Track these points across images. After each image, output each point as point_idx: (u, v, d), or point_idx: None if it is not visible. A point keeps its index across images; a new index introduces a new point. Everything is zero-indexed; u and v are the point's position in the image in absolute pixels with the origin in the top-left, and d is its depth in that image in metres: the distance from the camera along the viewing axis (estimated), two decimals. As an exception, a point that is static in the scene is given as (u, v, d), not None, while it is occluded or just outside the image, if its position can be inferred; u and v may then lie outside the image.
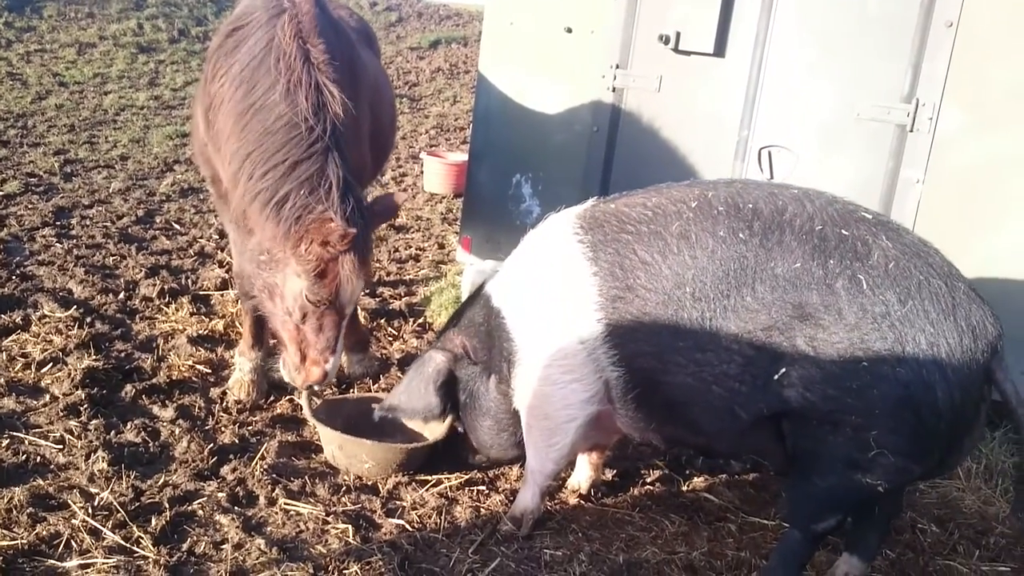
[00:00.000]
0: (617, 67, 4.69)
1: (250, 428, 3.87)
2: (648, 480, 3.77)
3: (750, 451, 3.34)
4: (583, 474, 3.65)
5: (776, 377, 2.70)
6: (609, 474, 3.78)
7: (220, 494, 3.30)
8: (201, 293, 5.23)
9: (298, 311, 3.45)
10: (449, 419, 3.55)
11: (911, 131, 4.02)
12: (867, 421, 2.63)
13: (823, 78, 4.23)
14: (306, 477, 3.49)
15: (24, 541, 2.87)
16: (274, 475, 3.47)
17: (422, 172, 8.70)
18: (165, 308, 4.95)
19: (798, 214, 2.78)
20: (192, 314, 4.91)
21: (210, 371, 4.31)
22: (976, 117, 3.92)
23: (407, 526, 3.25)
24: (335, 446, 3.60)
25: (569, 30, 4.83)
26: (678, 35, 4.45)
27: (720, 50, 4.41)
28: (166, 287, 5.15)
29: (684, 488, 3.72)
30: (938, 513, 3.63)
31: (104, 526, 3.01)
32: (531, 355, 3.10)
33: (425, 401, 3.44)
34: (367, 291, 5.55)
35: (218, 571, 2.89)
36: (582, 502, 3.56)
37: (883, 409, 2.61)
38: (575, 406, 3.08)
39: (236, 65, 3.56)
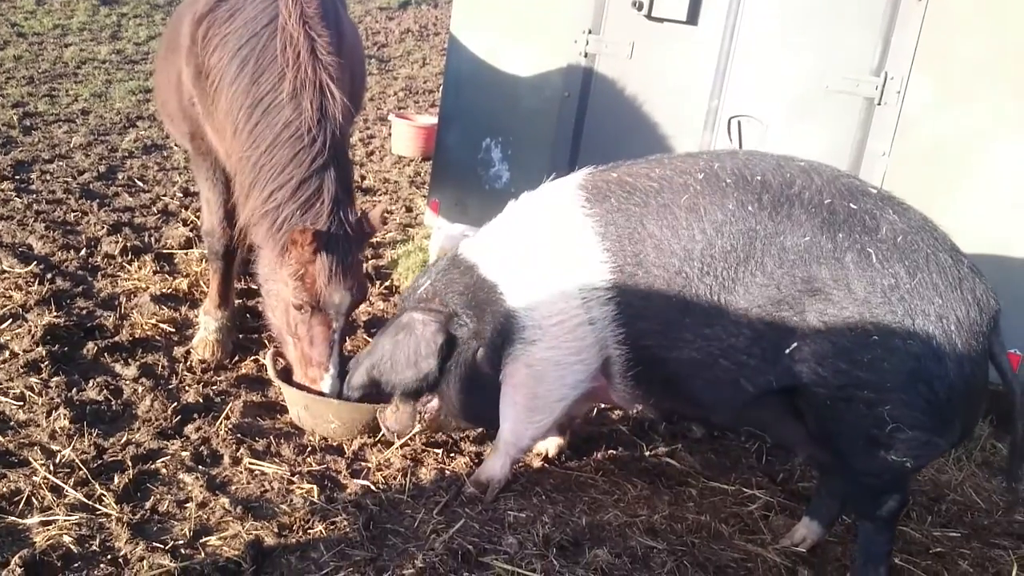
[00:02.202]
0: (589, 32, 4.66)
1: (214, 388, 3.85)
2: (611, 445, 3.81)
3: (750, 423, 3.34)
4: (552, 441, 3.66)
5: (787, 351, 2.71)
6: (572, 438, 3.81)
7: (184, 453, 3.29)
8: (164, 251, 5.17)
9: (291, 320, 3.53)
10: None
11: (879, 104, 4.06)
12: (880, 395, 2.64)
13: (794, 49, 4.24)
14: (271, 437, 3.49)
15: (-16, 497, 2.85)
16: (239, 435, 3.46)
17: (390, 134, 8.62)
18: (127, 266, 4.89)
19: (807, 187, 2.77)
20: (155, 272, 4.85)
21: (173, 330, 4.27)
22: (943, 91, 3.97)
23: (372, 487, 3.26)
24: (301, 407, 3.59)
25: (542, -7, 4.79)
26: (651, 1, 4.43)
27: (693, 18, 4.40)
28: (128, 244, 5.07)
29: (647, 453, 3.77)
30: (893, 480, 3.71)
31: (66, 483, 2.99)
32: (536, 335, 3.03)
33: (416, 369, 3.21)
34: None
35: (182, 529, 2.88)
36: (546, 465, 3.60)
37: (895, 382, 2.63)
38: (569, 387, 3.08)
39: (233, 38, 3.55)
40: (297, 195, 3.43)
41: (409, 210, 6.78)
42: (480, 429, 3.67)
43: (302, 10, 3.50)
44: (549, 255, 3.03)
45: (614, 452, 3.75)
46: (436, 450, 3.57)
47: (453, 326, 3.20)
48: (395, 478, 3.34)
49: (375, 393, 3.41)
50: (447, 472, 3.44)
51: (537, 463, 3.60)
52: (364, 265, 3.66)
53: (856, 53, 4.11)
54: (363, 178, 7.46)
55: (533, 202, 3.18)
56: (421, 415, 3.45)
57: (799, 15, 4.21)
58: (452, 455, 3.58)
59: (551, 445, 3.65)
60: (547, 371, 3.06)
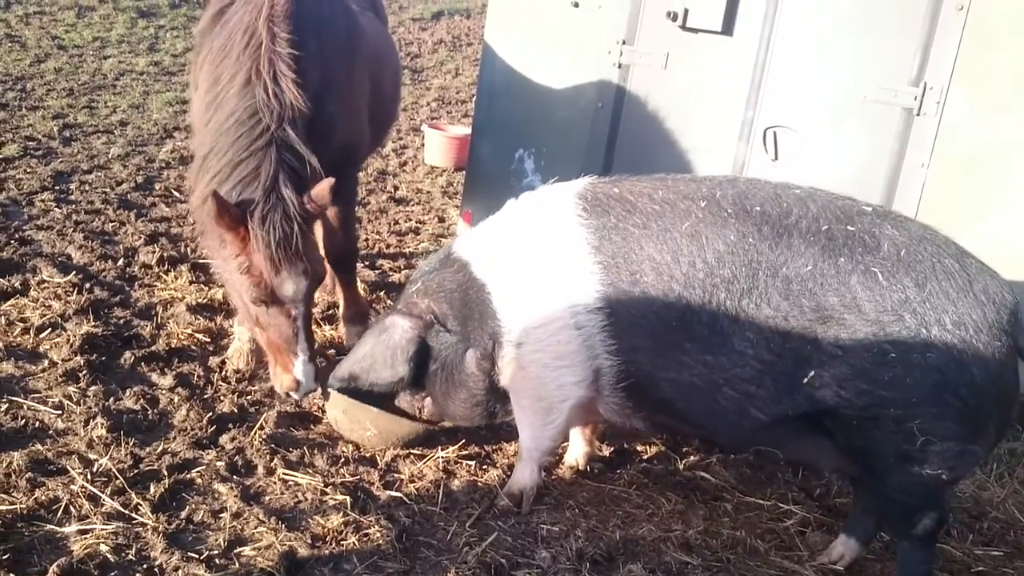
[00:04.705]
0: (623, 43, 4.65)
1: (249, 398, 3.87)
2: (645, 458, 3.79)
3: (761, 443, 3.27)
4: (579, 450, 3.66)
5: (806, 381, 2.69)
6: (606, 451, 3.79)
7: (219, 463, 3.31)
8: (200, 261, 5.21)
9: (251, 312, 3.43)
10: None
11: (918, 114, 4.00)
12: (907, 411, 2.61)
13: (830, 59, 4.20)
14: (305, 448, 3.50)
15: (23, 506, 2.88)
16: (273, 445, 3.48)
17: (423, 145, 8.65)
18: (164, 276, 4.94)
19: (803, 215, 2.77)
20: (191, 282, 4.89)
21: (209, 340, 4.31)
22: (984, 101, 3.90)
23: (405, 499, 3.26)
24: (339, 410, 3.59)
25: (576, 4, 4.78)
26: (686, 12, 4.41)
27: (728, 28, 4.38)
28: (165, 254, 5.12)
29: (681, 467, 3.74)
30: (932, 497, 3.65)
31: (103, 492, 3.02)
32: (521, 337, 3.06)
33: (392, 371, 3.29)
34: (366, 264, 5.55)
35: (216, 539, 2.90)
36: (579, 478, 3.58)
37: (920, 396, 2.60)
38: (568, 387, 3.07)
39: (213, 51, 3.56)
40: (232, 176, 3.30)
41: (442, 220, 6.79)
42: (514, 441, 3.66)
43: (271, 11, 3.49)
44: (539, 259, 3.04)
45: (647, 466, 3.72)
46: (469, 462, 3.57)
47: (432, 334, 3.26)
48: (428, 490, 3.34)
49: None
50: (480, 484, 3.43)
51: (570, 476, 3.58)
52: (319, 245, 3.49)
53: (894, 63, 4.05)
54: (396, 188, 7.50)
55: (531, 204, 3.20)
56: (419, 410, 3.52)
57: (835, 25, 4.17)
58: (484, 467, 3.57)
59: (579, 454, 3.64)
60: (539, 373, 3.07)
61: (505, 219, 3.25)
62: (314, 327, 4.02)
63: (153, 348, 4.10)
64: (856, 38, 4.13)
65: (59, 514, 2.91)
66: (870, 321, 2.62)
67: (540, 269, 3.04)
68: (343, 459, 3.48)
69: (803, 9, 4.22)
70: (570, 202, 3.05)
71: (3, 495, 2.93)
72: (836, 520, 3.39)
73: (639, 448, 3.86)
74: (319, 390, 3.57)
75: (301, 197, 3.31)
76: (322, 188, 3.36)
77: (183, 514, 3.01)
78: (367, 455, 3.56)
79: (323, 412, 3.80)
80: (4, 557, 2.64)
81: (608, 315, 2.91)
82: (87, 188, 6.17)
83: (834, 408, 2.69)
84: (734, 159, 4.44)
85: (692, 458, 3.81)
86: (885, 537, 3.33)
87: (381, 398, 3.51)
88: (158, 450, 3.35)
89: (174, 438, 3.45)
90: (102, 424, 3.39)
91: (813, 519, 3.42)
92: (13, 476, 3.03)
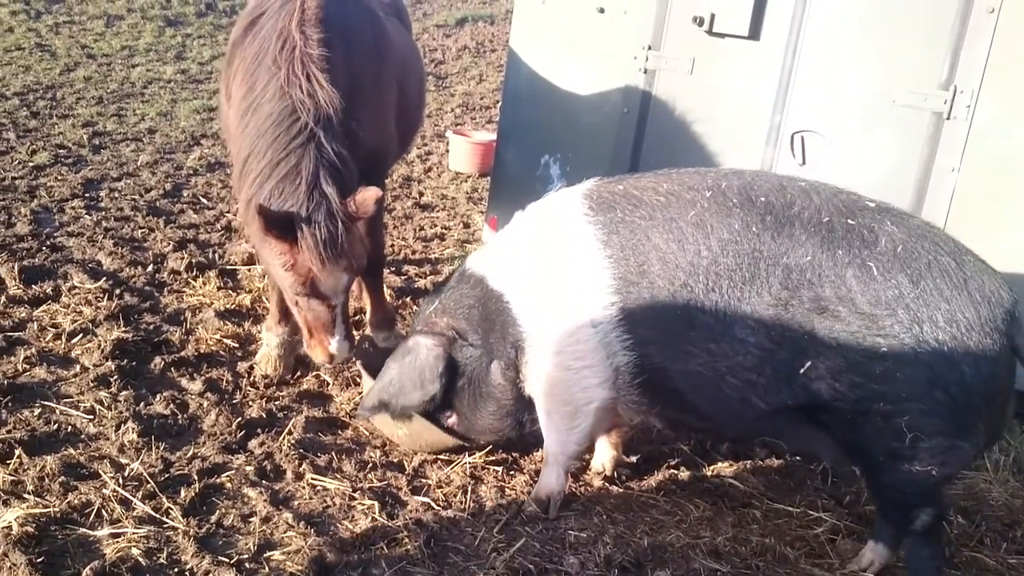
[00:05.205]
0: (649, 48, 4.65)
1: (277, 403, 3.89)
2: (672, 464, 3.77)
3: (764, 433, 3.36)
4: (605, 455, 3.65)
5: (802, 371, 2.72)
6: (633, 457, 3.77)
7: (248, 467, 3.33)
8: (228, 267, 5.26)
9: (291, 298, 3.57)
10: None
11: (948, 118, 3.97)
12: (896, 406, 2.65)
13: (858, 63, 4.17)
14: (333, 453, 3.52)
15: (56, 509, 2.92)
16: (301, 450, 3.50)
17: (447, 151, 8.67)
18: (192, 281, 4.98)
19: (806, 207, 2.80)
20: (219, 288, 4.93)
21: (237, 345, 4.34)
22: (1016, 105, 3.86)
23: (432, 504, 3.27)
24: None
25: (601, 10, 4.79)
26: (712, 17, 4.40)
27: (755, 33, 4.36)
28: (194, 260, 5.17)
29: (709, 473, 3.72)
30: (965, 505, 3.60)
31: (134, 496, 3.05)
32: (542, 341, 3.08)
33: (422, 391, 3.32)
34: (392, 269, 5.57)
35: (246, 544, 2.92)
36: (606, 484, 3.57)
37: (911, 392, 2.63)
38: (592, 389, 3.08)
39: (246, 60, 3.61)
40: (273, 175, 3.33)
41: (467, 226, 6.81)
42: (541, 447, 3.65)
43: (302, 16, 3.52)
44: (550, 261, 3.06)
45: (675, 472, 3.71)
46: (496, 468, 3.57)
47: (456, 348, 3.30)
48: (455, 495, 3.35)
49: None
50: (507, 490, 3.43)
51: (597, 482, 3.57)
52: (363, 242, 3.52)
53: (923, 67, 4.02)
54: (421, 194, 7.52)
55: (538, 211, 3.23)
56: (437, 423, 3.51)
57: (863, 29, 4.14)
58: (512, 473, 3.57)
59: (606, 460, 3.63)
60: (563, 377, 3.08)
61: (515, 229, 3.28)
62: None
63: (182, 353, 4.14)
64: (884, 42, 4.10)
65: (91, 518, 2.94)
66: (864, 315, 2.64)
67: (552, 271, 3.06)
68: (371, 464, 3.49)
69: (830, 13, 4.20)
70: (576, 202, 3.08)
71: (37, 498, 2.96)
72: (866, 527, 3.36)
73: (666, 454, 3.84)
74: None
75: (343, 195, 3.34)
76: (366, 196, 3.37)
77: (213, 518, 3.03)
78: (394, 460, 3.57)
79: (351, 418, 3.82)
80: (39, 560, 2.66)
81: (620, 309, 2.93)
82: (116, 195, 6.24)
83: (829, 401, 2.73)
84: (761, 164, 4.42)
85: (720, 464, 3.79)
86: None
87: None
88: (188, 455, 3.38)
89: (204, 443, 3.48)
90: (133, 429, 3.42)
91: (843, 526, 3.38)
92: (46, 480, 3.07)
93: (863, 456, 2.82)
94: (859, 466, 2.95)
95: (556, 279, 3.04)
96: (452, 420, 3.49)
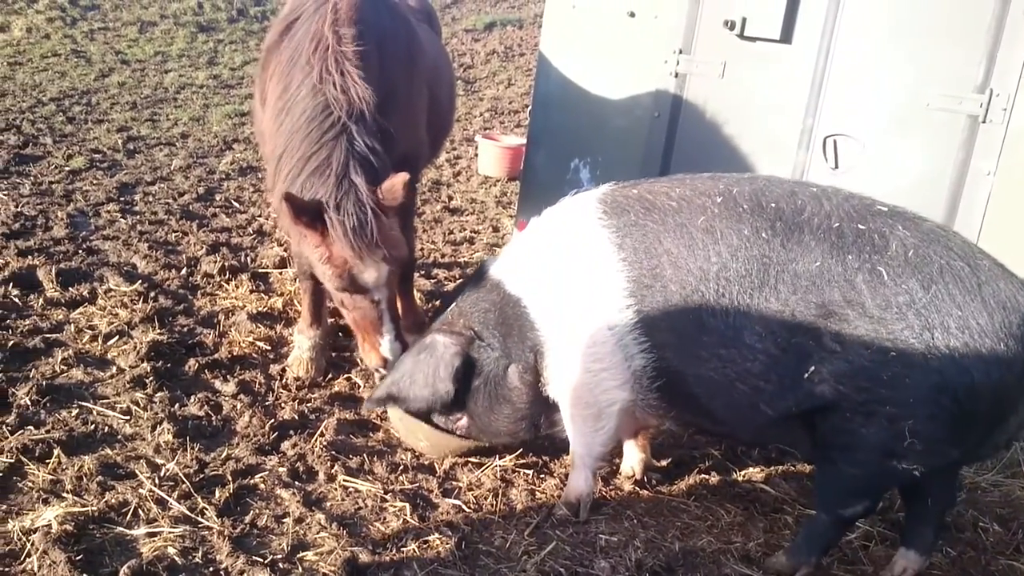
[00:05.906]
0: (680, 52, 4.64)
1: (309, 405, 3.92)
2: (703, 468, 3.76)
3: (776, 441, 3.39)
4: (634, 459, 3.64)
5: (806, 376, 2.71)
6: (664, 462, 3.77)
7: (281, 469, 3.36)
8: (260, 271, 5.31)
9: (336, 296, 3.59)
10: None
11: (983, 122, 3.93)
12: (902, 411, 2.64)
13: (891, 66, 4.14)
14: (364, 455, 3.54)
15: (94, 508, 2.96)
16: (333, 452, 3.52)
17: (476, 155, 8.70)
18: (225, 285, 5.03)
19: (816, 213, 2.78)
20: (252, 291, 4.98)
21: (269, 348, 4.38)
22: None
23: (464, 506, 3.28)
24: (396, 417, 3.62)
25: (632, 14, 4.79)
26: (744, 20, 4.39)
27: (787, 36, 4.35)
28: (226, 264, 5.23)
29: (740, 478, 3.70)
30: (1000, 512, 3.56)
31: (170, 496, 3.09)
32: (561, 345, 3.09)
33: (434, 389, 3.31)
34: (421, 273, 5.59)
35: (280, 544, 2.95)
36: (637, 489, 3.56)
37: (918, 397, 2.61)
38: (612, 391, 3.08)
39: (281, 63, 3.66)
40: (305, 169, 3.37)
41: (496, 230, 6.83)
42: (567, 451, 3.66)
43: (335, 17, 3.56)
44: (567, 264, 3.07)
45: (706, 477, 3.70)
46: (526, 471, 3.58)
47: (474, 348, 3.29)
48: (486, 498, 3.36)
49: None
50: (537, 493, 3.44)
51: (628, 487, 3.57)
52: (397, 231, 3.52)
53: (958, 70, 3.99)
54: (450, 198, 7.56)
55: (553, 217, 3.23)
56: (452, 433, 3.52)
57: (896, 32, 4.12)
58: (542, 476, 3.57)
59: (635, 463, 3.63)
60: (583, 379, 3.08)
61: (532, 234, 3.29)
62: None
63: (216, 356, 4.19)
64: (917, 45, 4.07)
65: (128, 517, 2.98)
66: (873, 320, 2.62)
67: (569, 274, 3.07)
68: (402, 466, 3.51)
69: (863, 16, 4.17)
70: (591, 207, 3.08)
71: (75, 498, 3.01)
72: (899, 534, 3.33)
73: (697, 459, 3.83)
74: None
75: (374, 186, 3.35)
76: (394, 182, 3.39)
77: (247, 518, 3.06)
78: (425, 463, 3.59)
79: (382, 420, 3.84)
80: (78, 558, 2.71)
81: (635, 311, 2.93)
82: (151, 199, 6.33)
83: (833, 403, 2.71)
84: (793, 168, 4.40)
85: (751, 469, 3.77)
86: (951, 551, 3.27)
87: (420, 417, 3.52)
88: (222, 455, 3.41)
89: (237, 444, 3.52)
90: (168, 429, 3.47)
91: (876, 533, 3.36)
92: (84, 479, 3.12)
93: (847, 452, 2.78)
94: (830, 456, 2.84)
95: (572, 282, 3.05)
96: (463, 422, 3.49)
